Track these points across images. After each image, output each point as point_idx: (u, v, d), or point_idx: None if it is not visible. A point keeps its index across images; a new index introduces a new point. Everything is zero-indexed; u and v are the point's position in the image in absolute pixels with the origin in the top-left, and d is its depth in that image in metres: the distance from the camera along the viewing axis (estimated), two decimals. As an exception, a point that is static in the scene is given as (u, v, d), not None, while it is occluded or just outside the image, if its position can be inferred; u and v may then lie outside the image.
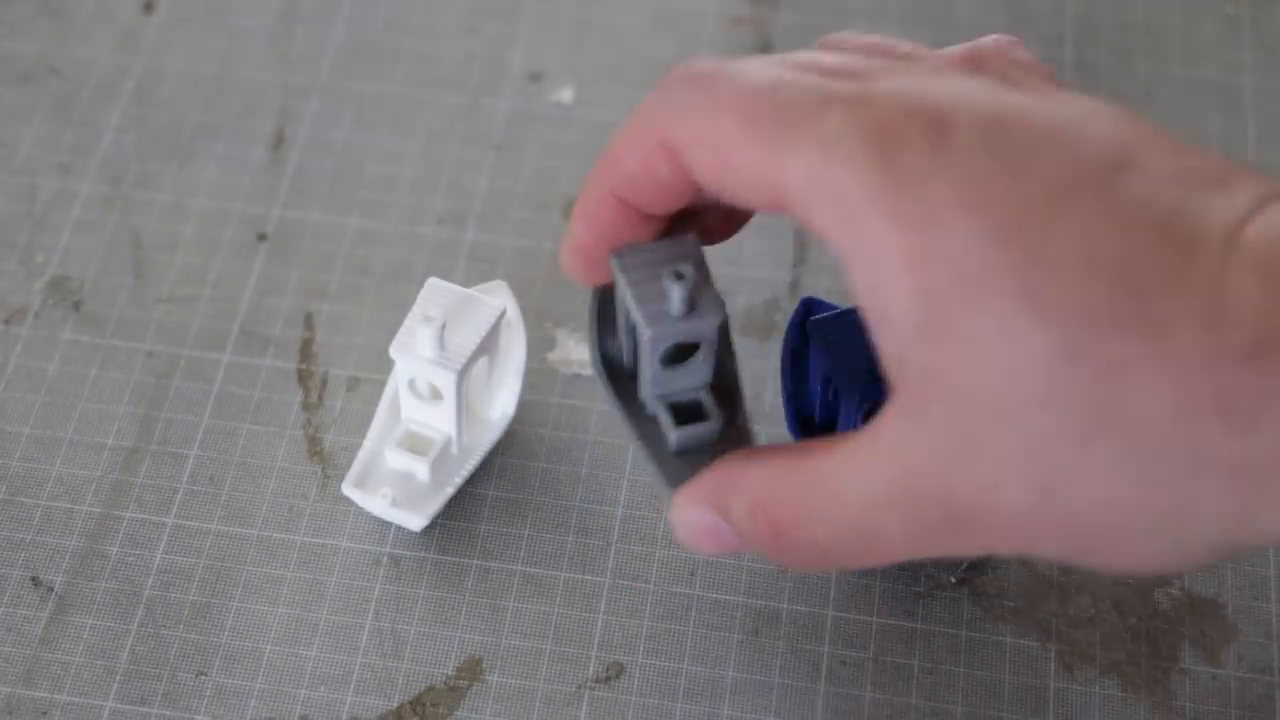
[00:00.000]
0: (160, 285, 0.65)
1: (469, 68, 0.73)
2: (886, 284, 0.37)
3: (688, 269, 0.42)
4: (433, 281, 0.58)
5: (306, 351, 0.64)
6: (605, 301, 0.47)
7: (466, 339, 0.56)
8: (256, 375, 0.63)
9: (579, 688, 0.55)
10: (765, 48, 0.74)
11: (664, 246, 0.44)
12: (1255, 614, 0.57)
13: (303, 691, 0.55)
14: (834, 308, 0.53)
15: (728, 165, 0.40)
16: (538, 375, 0.63)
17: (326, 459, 0.61)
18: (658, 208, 0.44)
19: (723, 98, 0.40)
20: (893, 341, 0.38)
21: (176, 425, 0.62)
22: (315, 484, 0.60)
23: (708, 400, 0.46)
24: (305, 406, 0.62)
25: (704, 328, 0.44)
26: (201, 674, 0.55)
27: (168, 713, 0.55)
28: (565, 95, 0.72)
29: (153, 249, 0.67)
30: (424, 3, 0.76)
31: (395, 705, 0.55)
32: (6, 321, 0.64)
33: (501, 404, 0.61)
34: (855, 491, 0.39)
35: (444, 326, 0.55)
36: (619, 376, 0.47)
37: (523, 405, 0.61)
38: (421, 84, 0.72)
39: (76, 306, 0.65)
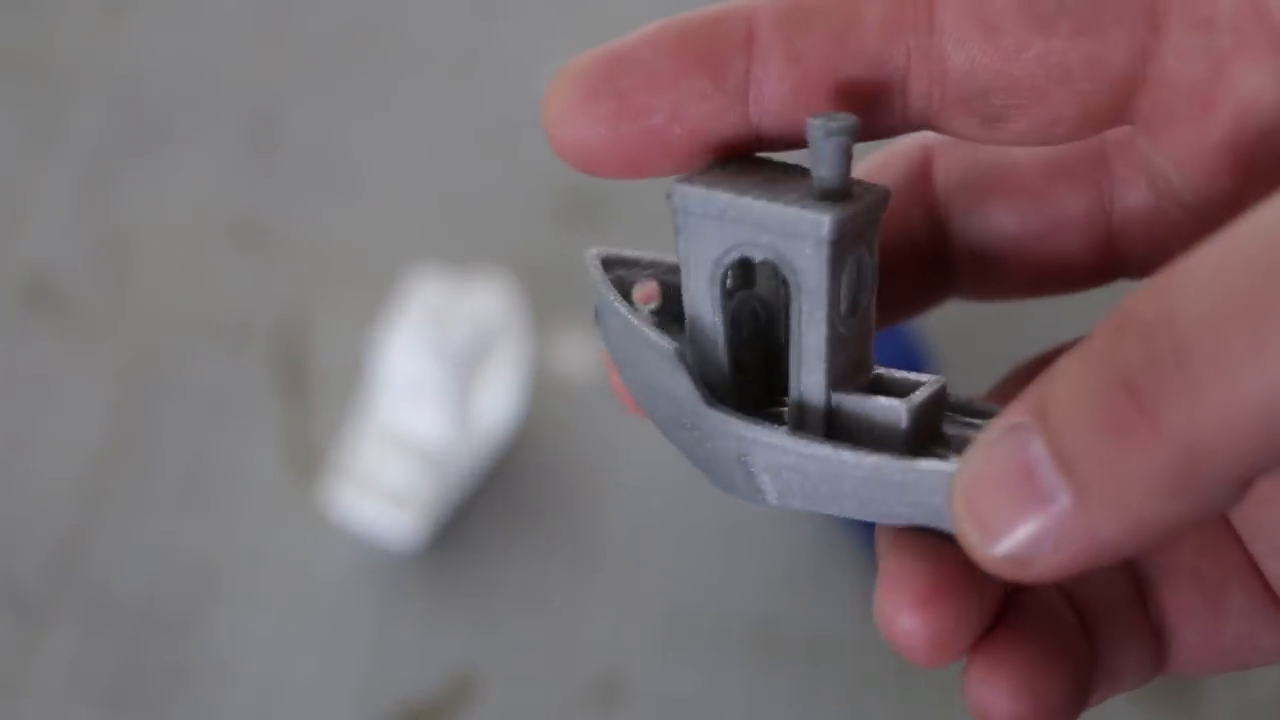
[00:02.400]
0: (139, 281, 0.64)
1: (467, 58, 0.72)
2: None
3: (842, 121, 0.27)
4: (426, 277, 0.56)
5: (293, 350, 0.62)
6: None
7: (461, 337, 0.55)
8: (241, 374, 0.62)
9: (578, 704, 0.54)
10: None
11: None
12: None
13: (289, 708, 0.54)
14: None
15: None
16: (538, 378, 0.62)
17: (314, 462, 0.59)
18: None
19: None
20: None
21: (155, 427, 0.60)
22: (303, 488, 0.59)
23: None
24: (292, 408, 0.61)
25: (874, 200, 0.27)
26: (182, 690, 0.54)
27: (146, 730, 0.53)
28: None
29: (131, 244, 0.65)
30: (421, -10, 0.75)
31: (384, 723, 0.54)
32: (-17, 318, 0.63)
33: (500, 407, 0.59)
34: (1252, 235, 0.23)
35: (438, 324, 0.55)
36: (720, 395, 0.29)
37: (523, 409, 0.60)
38: (416, 74, 0.71)
39: (52, 303, 0.64)
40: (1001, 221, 0.31)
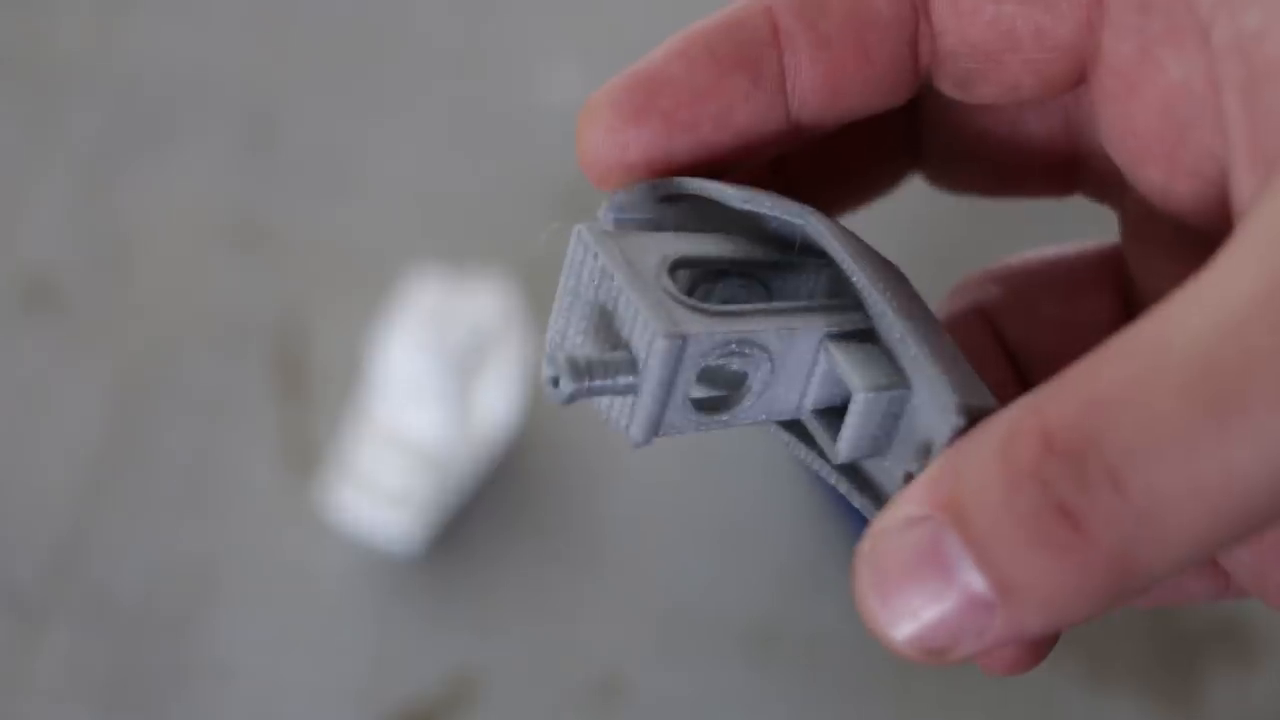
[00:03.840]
0: (139, 281, 0.64)
1: (468, 57, 0.72)
2: None
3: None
4: (425, 277, 0.56)
5: (292, 350, 0.62)
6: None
7: (460, 337, 0.55)
8: (239, 375, 0.61)
9: (578, 704, 0.54)
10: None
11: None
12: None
13: (288, 709, 0.54)
14: None
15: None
16: (538, 378, 0.61)
17: (313, 463, 0.59)
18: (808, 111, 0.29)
19: None
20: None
21: (155, 427, 0.60)
22: (301, 490, 0.58)
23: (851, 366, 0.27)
24: (290, 408, 0.61)
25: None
26: (180, 690, 0.54)
27: (145, 730, 0.53)
28: (569, 87, 0.71)
29: (131, 244, 0.65)
30: (421, -10, 0.75)
31: (384, 723, 0.54)
32: (-18, 319, 0.63)
33: (500, 407, 0.59)
34: (1203, 325, 0.23)
35: (437, 325, 0.54)
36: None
37: (524, 410, 0.60)
38: (416, 74, 0.71)
39: (52, 303, 0.63)
40: (971, 116, 0.31)
